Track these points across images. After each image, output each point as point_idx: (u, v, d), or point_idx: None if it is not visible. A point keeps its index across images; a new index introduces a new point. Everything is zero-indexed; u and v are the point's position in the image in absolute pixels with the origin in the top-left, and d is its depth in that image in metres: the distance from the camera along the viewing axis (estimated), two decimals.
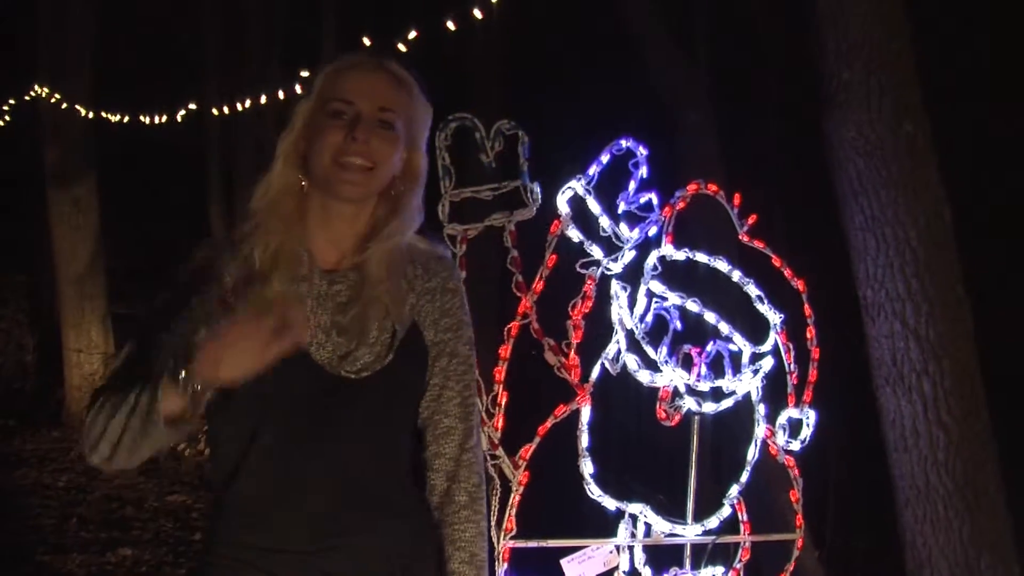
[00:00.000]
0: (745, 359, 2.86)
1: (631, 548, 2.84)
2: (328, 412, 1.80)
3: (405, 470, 1.91)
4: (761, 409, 2.94)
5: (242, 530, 1.81)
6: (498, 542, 2.70)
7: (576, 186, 2.68)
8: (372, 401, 1.82)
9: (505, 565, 2.71)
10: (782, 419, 2.99)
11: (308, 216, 1.86)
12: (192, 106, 8.10)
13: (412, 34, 5.35)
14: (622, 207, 2.73)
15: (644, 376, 2.74)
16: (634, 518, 2.83)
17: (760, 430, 2.95)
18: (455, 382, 1.92)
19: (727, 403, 2.87)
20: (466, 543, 1.91)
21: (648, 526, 2.84)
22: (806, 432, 3.01)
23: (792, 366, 2.98)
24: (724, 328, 2.85)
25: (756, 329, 2.90)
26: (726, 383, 2.83)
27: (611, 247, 2.71)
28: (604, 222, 2.70)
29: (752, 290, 2.93)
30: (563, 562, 2.77)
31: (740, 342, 2.86)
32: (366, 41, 5.24)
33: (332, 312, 1.83)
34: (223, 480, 1.82)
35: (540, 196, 2.61)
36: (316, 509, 1.79)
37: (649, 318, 2.77)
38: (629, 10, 5.66)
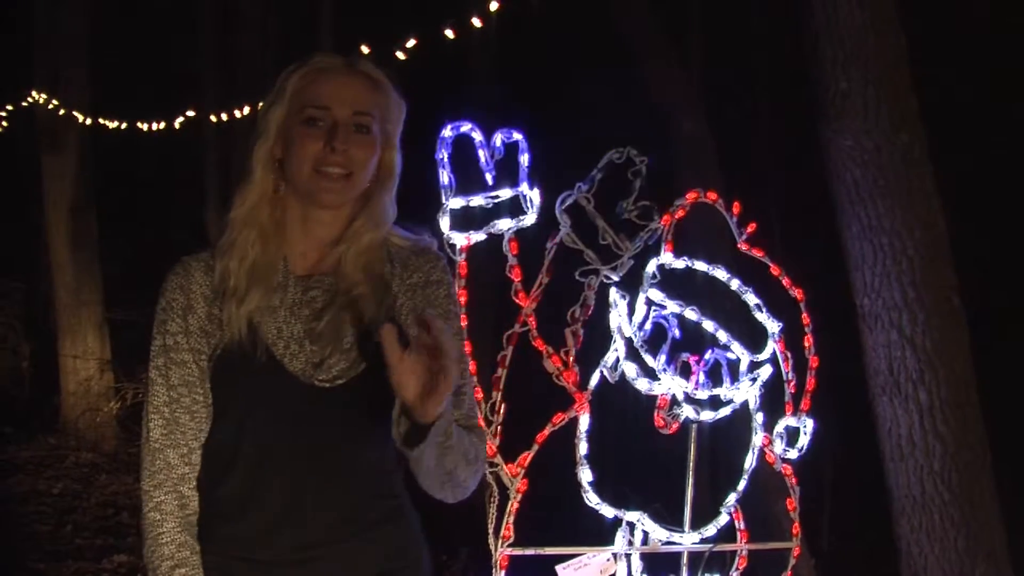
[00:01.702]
0: (743, 367, 2.87)
1: (628, 556, 2.84)
2: (305, 422, 1.79)
3: (391, 470, 1.88)
4: (759, 417, 2.95)
5: (225, 540, 1.81)
6: (496, 550, 2.70)
7: (575, 194, 2.70)
8: (349, 409, 1.80)
9: (503, 573, 2.71)
10: (780, 427, 3.00)
11: (286, 222, 1.85)
12: (190, 113, 8.10)
13: (411, 42, 5.35)
14: (622, 215, 2.74)
15: (642, 384, 2.75)
16: (631, 526, 2.83)
17: (758, 438, 2.96)
18: None
19: (725, 411, 2.87)
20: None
21: (645, 534, 2.85)
22: (803, 440, 3.01)
23: (790, 374, 2.99)
24: (722, 336, 2.86)
25: (754, 337, 2.91)
26: (724, 391, 2.84)
27: (610, 255, 2.72)
28: (603, 230, 2.71)
29: (751, 298, 2.94)
30: (559, 568, 2.77)
31: (738, 350, 2.86)
32: (364, 49, 5.24)
33: (306, 320, 1.82)
34: (206, 486, 1.82)
35: (539, 204, 2.62)
36: (299, 520, 1.78)
37: (648, 326, 2.78)
38: (626, 20, 5.68)
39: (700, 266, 2.89)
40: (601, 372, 2.76)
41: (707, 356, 2.84)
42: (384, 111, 1.84)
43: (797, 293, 3.04)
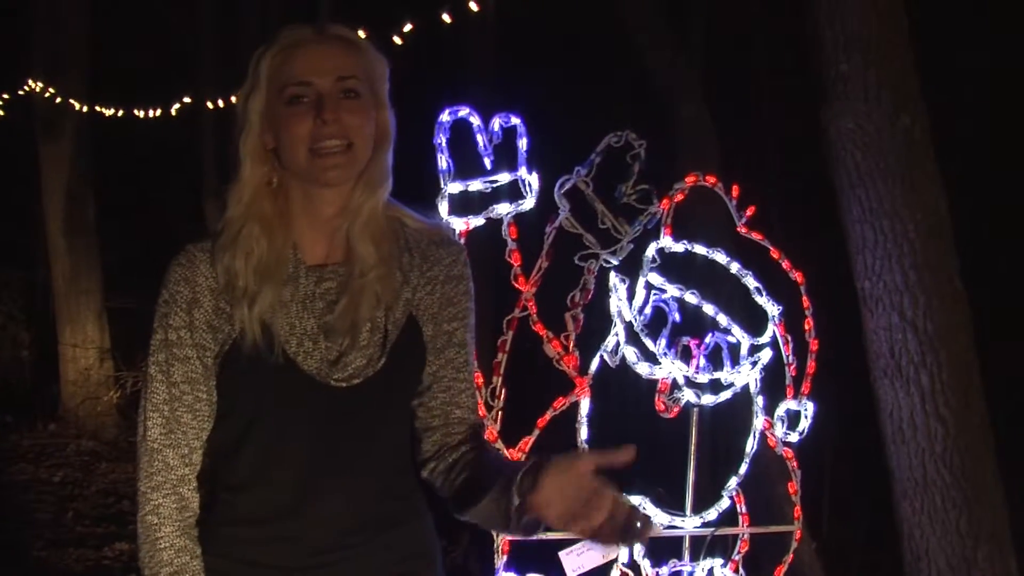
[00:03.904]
0: (744, 351, 2.86)
1: None
2: (317, 424, 1.72)
3: (406, 470, 1.83)
4: (759, 401, 2.95)
5: (228, 542, 1.76)
6: (497, 535, 2.69)
7: (574, 178, 2.68)
8: (367, 409, 1.74)
9: (504, 557, 2.71)
10: (780, 411, 2.99)
11: (291, 209, 1.76)
12: (187, 100, 8.08)
13: (408, 27, 5.33)
14: (621, 199, 2.73)
15: (643, 368, 2.74)
16: None
17: (758, 422, 2.96)
18: (467, 373, 1.84)
19: (726, 395, 2.87)
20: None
21: None
22: (804, 424, 3.01)
23: (790, 358, 2.98)
24: (723, 320, 2.85)
25: (754, 321, 2.90)
26: (725, 375, 2.84)
27: (609, 239, 2.71)
28: (603, 214, 2.70)
29: (750, 282, 2.93)
30: (561, 554, 2.77)
31: (739, 334, 2.86)
32: (361, 34, 5.21)
33: (320, 314, 1.73)
34: (207, 486, 1.77)
35: (538, 188, 2.61)
36: (306, 525, 1.73)
37: (648, 310, 2.77)
38: (625, 5, 5.65)
39: (699, 249, 2.88)
40: (601, 356, 2.75)
41: (707, 340, 2.83)
42: (368, 71, 1.74)
43: (797, 276, 3.03)
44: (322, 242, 1.78)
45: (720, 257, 2.90)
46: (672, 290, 2.79)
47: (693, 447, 2.91)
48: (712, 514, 2.92)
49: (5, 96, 9.35)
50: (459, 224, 2.55)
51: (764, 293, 2.93)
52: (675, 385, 2.81)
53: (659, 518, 2.84)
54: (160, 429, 1.73)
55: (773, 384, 2.97)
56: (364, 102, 1.72)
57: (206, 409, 1.75)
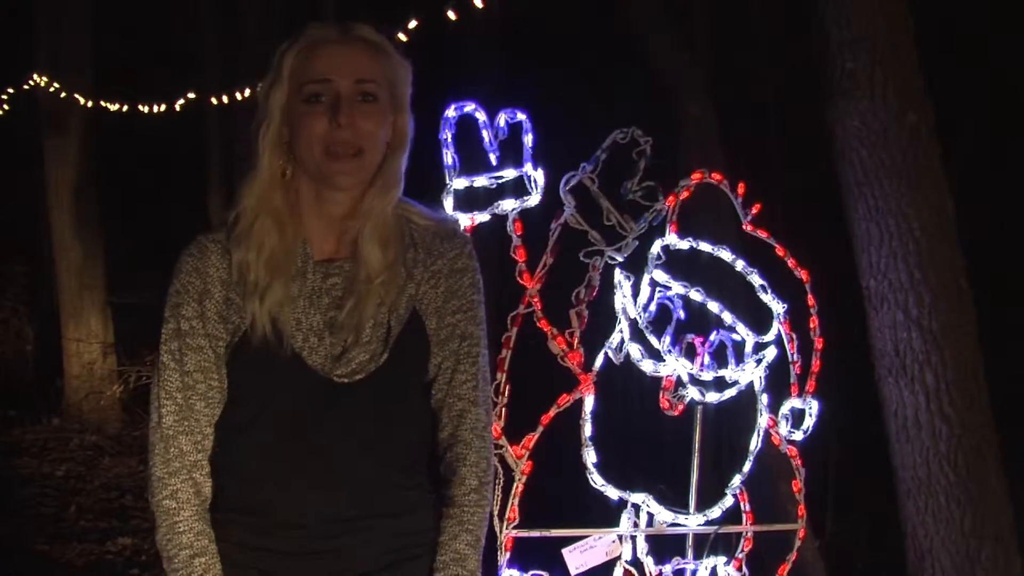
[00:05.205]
0: (748, 349, 2.86)
1: (633, 538, 2.84)
2: (322, 416, 1.75)
3: (410, 463, 1.85)
4: (764, 399, 2.94)
5: (232, 526, 1.79)
6: (500, 532, 2.69)
7: (580, 175, 2.68)
8: (367, 403, 1.77)
9: (507, 554, 2.71)
10: (785, 409, 2.99)
11: (301, 204, 1.79)
12: (191, 95, 8.07)
13: (412, 23, 5.32)
14: (626, 196, 2.72)
15: (647, 365, 2.74)
16: (637, 508, 2.83)
17: (763, 420, 2.95)
18: (468, 364, 1.86)
19: (730, 393, 2.86)
20: (474, 527, 1.85)
21: (651, 516, 2.84)
22: (809, 422, 3.01)
23: (795, 356, 2.98)
24: (727, 318, 2.84)
25: (759, 319, 2.89)
26: (729, 373, 2.83)
27: (615, 236, 2.70)
28: (608, 211, 2.69)
29: (755, 279, 2.92)
30: (565, 551, 2.77)
31: (743, 332, 2.85)
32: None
33: (326, 309, 1.77)
34: (221, 473, 1.80)
35: (544, 185, 2.61)
36: (313, 511, 1.76)
37: (652, 307, 2.77)
38: (630, 3, 5.64)
39: (705, 247, 2.88)
40: (606, 353, 2.75)
41: (712, 337, 2.83)
42: (390, 75, 1.77)
43: (802, 274, 3.02)
44: (331, 238, 1.82)
45: (725, 254, 2.89)
46: (677, 287, 2.79)
47: (697, 445, 2.91)
48: (716, 512, 2.91)
49: (10, 91, 9.35)
50: (464, 220, 2.55)
51: (769, 291, 2.93)
52: (679, 382, 2.80)
53: (663, 516, 2.84)
54: (174, 416, 1.77)
55: (777, 382, 2.97)
56: (381, 106, 1.76)
57: (217, 396, 1.79)
